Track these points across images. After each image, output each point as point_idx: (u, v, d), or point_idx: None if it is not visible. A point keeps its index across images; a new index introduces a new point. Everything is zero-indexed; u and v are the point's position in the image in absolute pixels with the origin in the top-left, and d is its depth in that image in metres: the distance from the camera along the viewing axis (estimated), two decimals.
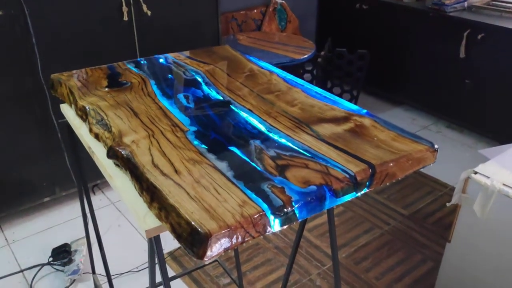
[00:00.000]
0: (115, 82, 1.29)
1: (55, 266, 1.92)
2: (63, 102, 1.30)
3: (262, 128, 1.02)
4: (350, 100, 3.36)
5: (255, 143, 0.94)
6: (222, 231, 0.69)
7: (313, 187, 0.79)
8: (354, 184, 0.83)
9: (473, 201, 1.53)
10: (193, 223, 0.70)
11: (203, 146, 0.94)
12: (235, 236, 0.70)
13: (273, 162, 0.87)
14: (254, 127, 1.02)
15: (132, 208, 0.83)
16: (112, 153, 0.94)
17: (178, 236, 0.72)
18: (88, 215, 1.53)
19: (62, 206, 2.37)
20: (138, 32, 2.25)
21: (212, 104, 1.15)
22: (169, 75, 1.35)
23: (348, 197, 0.83)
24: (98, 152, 1.01)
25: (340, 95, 3.34)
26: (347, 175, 0.83)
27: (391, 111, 3.54)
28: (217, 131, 1.01)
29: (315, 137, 0.98)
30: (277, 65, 2.66)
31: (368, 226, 2.27)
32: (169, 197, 0.76)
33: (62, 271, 1.90)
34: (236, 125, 1.04)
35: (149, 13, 2.24)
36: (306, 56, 2.90)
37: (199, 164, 0.86)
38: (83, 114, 1.14)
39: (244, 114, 1.09)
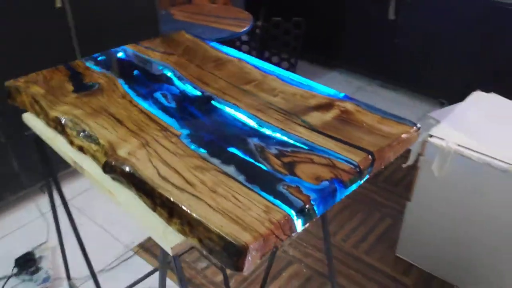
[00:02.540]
0: (80, 84, 1.22)
1: (21, 277, 1.83)
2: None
3: (252, 123, 1.02)
4: (288, 69, 3.41)
5: (254, 142, 0.95)
6: (257, 241, 0.70)
7: (326, 183, 0.82)
8: (359, 173, 0.88)
9: (431, 162, 1.65)
10: (226, 237, 0.70)
11: (202, 150, 0.93)
12: (268, 243, 0.72)
13: (279, 161, 0.89)
14: (244, 124, 1.02)
15: (147, 226, 0.81)
16: (109, 169, 0.90)
17: (209, 251, 0.73)
18: (50, 218, 1.46)
19: (15, 210, 2.23)
20: (75, 19, 2.10)
21: (192, 101, 1.13)
22: (135, 71, 1.30)
23: (355, 186, 0.88)
24: (88, 167, 0.97)
25: (278, 64, 3.39)
26: (352, 166, 0.87)
27: (328, 75, 3.65)
28: (209, 132, 0.99)
29: (308, 128, 1.00)
30: (218, 40, 2.63)
31: None
32: (192, 211, 0.76)
33: (30, 280, 1.81)
34: (225, 123, 1.03)
35: None
36: (245, 28, 2.88)
37: (208, 172, 0.86)
38: (57, 126, 1.07)
39: (229, 110, 1.08)
